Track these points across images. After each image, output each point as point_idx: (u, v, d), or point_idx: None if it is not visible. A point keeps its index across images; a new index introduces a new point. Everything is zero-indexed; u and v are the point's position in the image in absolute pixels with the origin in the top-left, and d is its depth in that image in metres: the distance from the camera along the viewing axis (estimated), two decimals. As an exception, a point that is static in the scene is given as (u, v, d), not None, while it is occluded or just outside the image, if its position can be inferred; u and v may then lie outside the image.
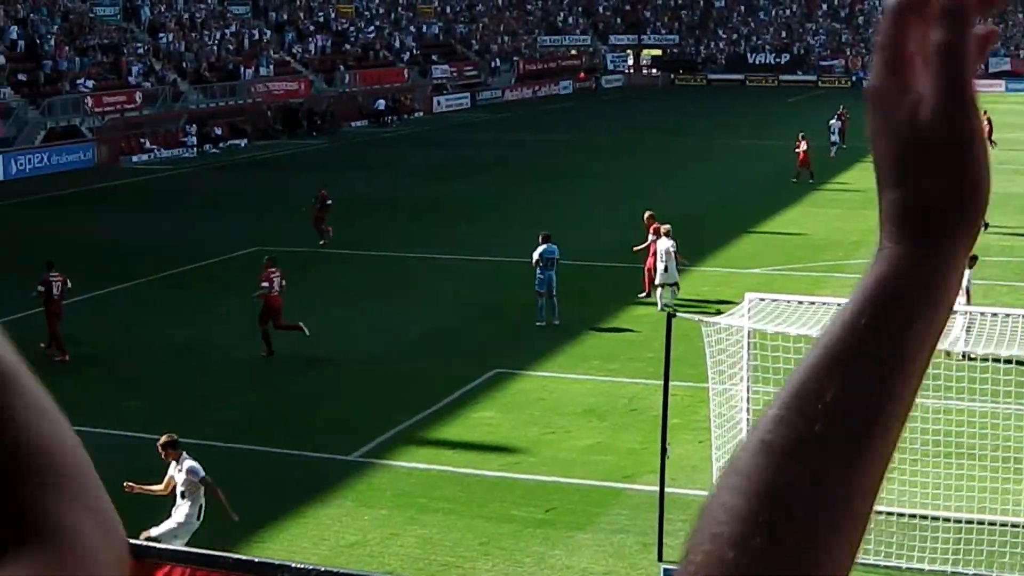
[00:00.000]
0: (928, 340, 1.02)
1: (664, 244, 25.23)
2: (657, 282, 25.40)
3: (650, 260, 25.99)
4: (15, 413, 1.00)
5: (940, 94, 1.01)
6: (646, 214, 27.18)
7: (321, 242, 32.07)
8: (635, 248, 26.61)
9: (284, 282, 23.26)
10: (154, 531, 13.85)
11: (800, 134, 41.91)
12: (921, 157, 1.02)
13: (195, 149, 55.55)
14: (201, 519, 14.13)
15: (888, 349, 1.00)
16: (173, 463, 14.13)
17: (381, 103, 68.72)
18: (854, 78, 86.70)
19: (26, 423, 1.00)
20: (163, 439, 14.14)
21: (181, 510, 14.12)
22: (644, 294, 26.09)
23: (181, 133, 56.98)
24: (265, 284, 22.84)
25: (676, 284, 25.58)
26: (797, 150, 41.58)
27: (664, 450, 14.27)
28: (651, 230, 26.31)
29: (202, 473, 14.01)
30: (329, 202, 33.00)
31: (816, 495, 0.97)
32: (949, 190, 1.02)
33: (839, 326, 1.02)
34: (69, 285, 23.17)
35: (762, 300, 15.46)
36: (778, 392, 1.02)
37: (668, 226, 25.78)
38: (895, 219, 1.03)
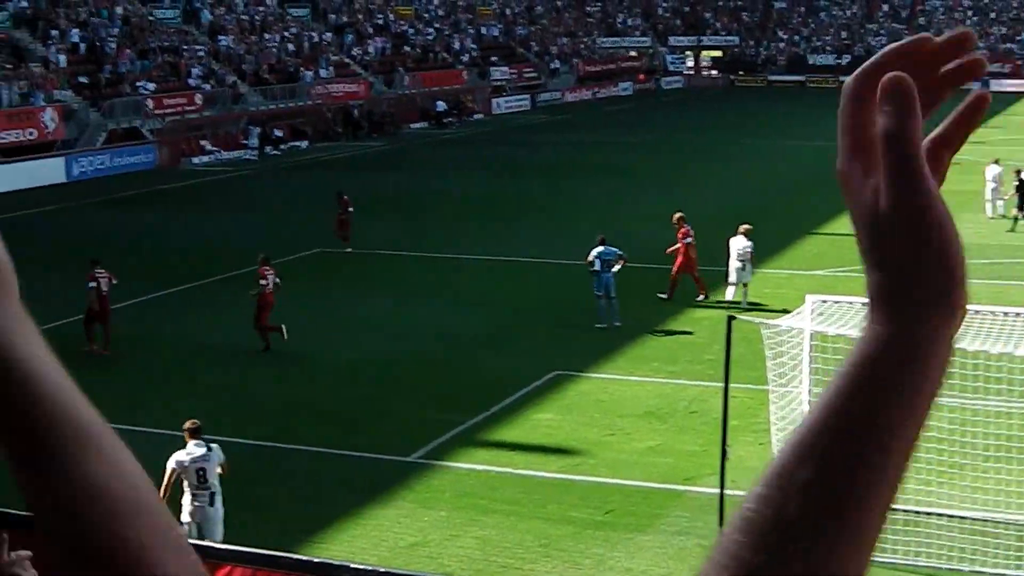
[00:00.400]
0: (911, 417, 1.02)
1: (741, 243, 25.32)
2: (732, 280, 25.49)
3: (679, 260, 26.08)
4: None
5: (892, 182, 1.01)
6: (675, 216, 26.96)
7: (347, 249, 31.78)
8: (667, 251, 26.44)
9: (279, 280, 23.83)
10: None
11: None
12: (886, 243, 1.02)
13: (257, 151, 56.01)
14: (193, 507, 14.13)
15: (865, 429, 1.00)
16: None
17: (441, 105, 68.93)
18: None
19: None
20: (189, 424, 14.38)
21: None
22: (702, 296, 25.98)
23: (242, 135, 57.46)
24: (263, 282, 23.40)
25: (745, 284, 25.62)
26: None
27: (724, 452, 14.26)
28: (680, 232, 26.20)
29: (171, 464, 13.99)
30: (351, 209, 32.54)
31: (792, 573, 0.99)
32: (917, 274, 1.02)
33: (819, 405, 1.03)
34: (115, 282, 23.47)
35: (824, 302, 15.35)
36: (765, 468, 1.04)
37: (748, 225, 25.87)
38: (873, 299, 1.04)
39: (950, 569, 13.60)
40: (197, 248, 33.01)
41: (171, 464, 14.03)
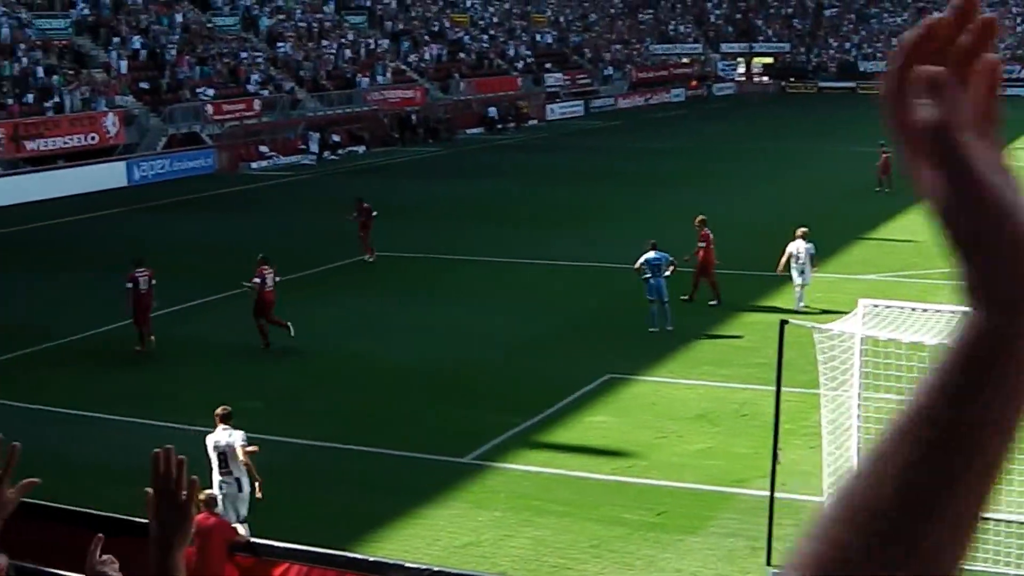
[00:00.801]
0: (1010, 406, 0.99)
1: (800, 246, 25.58)
2: (796, 282, 25.70)
3: (700, 264, 26.32)
4: None
5: (943, 175, 1.00)
6: (697, 219, 27.05)
7: (370, 259, 31.31)
8: (685, 258, 26.47)
9: (277, 278, 24.47)
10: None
11: (881, 143, 41.59)
12: (960, 234, 1.01)
13: (317, 156, 56.55)
14: (223, 492, 14.61)
15: (963, 416, 0.98)
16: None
17: (492, 111, 69.23)
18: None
19: None
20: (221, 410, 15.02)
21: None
22: (687, 297, 26.10)
23: (300, 140, 58.03)
24: (257, 280, 23.99)
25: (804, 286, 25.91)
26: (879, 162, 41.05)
27: (775, 455, 14.18)
28: (700, 235, 26.34)
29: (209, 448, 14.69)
30: (375, 214, 31.88)
31: (888, 556, 0.98)
32: (1000, 263, 1.00)
33: (919, 392, 1.02)
34: (154, 281, 23.96)
35: (875, 306, 15.37)
36: (863, 453, 1.06)
37: (805, 228, 26.11)
38: (967, 292, 1.01)
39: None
40: (254, 252, 33.32)
41: (209, 444, 14.77)
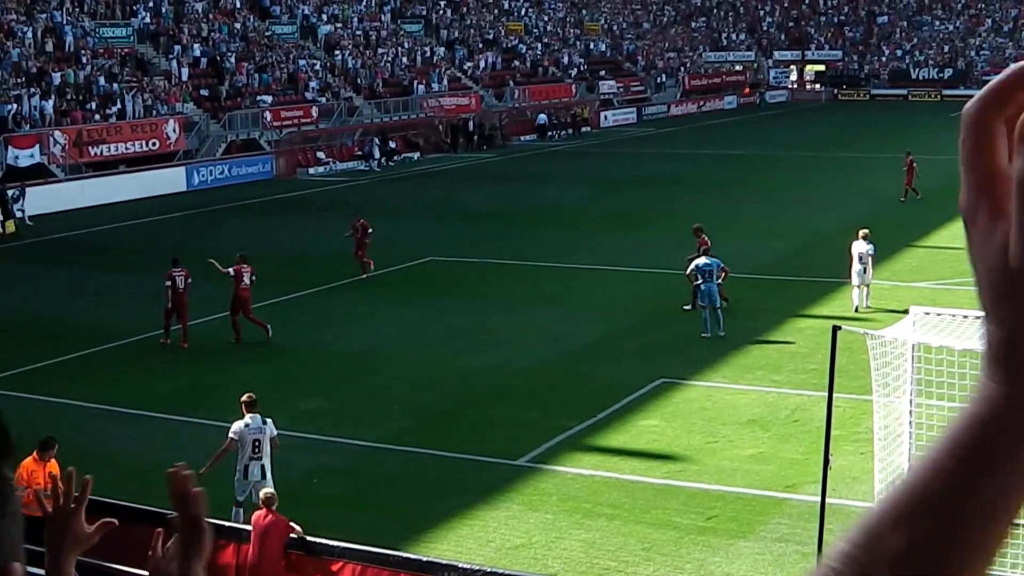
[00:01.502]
0: (1017, 488, 0.94)
1: (862, 247, 25.81)
2: (855, 283, 25.94)
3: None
4: None
5: (1021, 228, 0.92)
6: (694, 226, 27.13)
7: (364, 275, 30.33)
8: (688, 259, 26.55)
9: (254, 278, 25.02)
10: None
11: (908, 151, 41.49)
12: (1012, 299, 0.94)
13: (378, 162, 57.04)
14: (248, 478, 15.19)
15: (966, 500, 0.93)
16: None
17: (543, 118, 69.46)
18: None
19: None
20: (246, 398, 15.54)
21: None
22: (690, 307, 25.99)
23: (357, 147, 58.55)
24: (230, 271, 24.74)
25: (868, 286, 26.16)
26: (905, 168, 40.72)
27: (827, 461, 14.10)
28: (699, 243, 26.33)
29: (231, 434, 15.23)
30: (371, 231, 30.78)
31: None
32: None
33: (921, 466, 0.97)
34: (190, 280, 24.70)
35: (927, 314, 15.37)
36: (855, 522, 0.98)
37: (866, 230, 26.34)
38: (990, 355, 0.95)
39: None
40: (311, 256, 33.77)
41: (230, 434, 15.24)
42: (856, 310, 25.70)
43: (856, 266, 25.89)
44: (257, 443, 15.17)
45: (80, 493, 2.83)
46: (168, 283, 24.63)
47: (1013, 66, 0.97)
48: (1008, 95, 0.94)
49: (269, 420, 15.37)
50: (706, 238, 26.41)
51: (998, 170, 0.93)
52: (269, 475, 15.21)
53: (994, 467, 0.94)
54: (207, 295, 25.68)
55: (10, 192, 40.97)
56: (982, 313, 0.96)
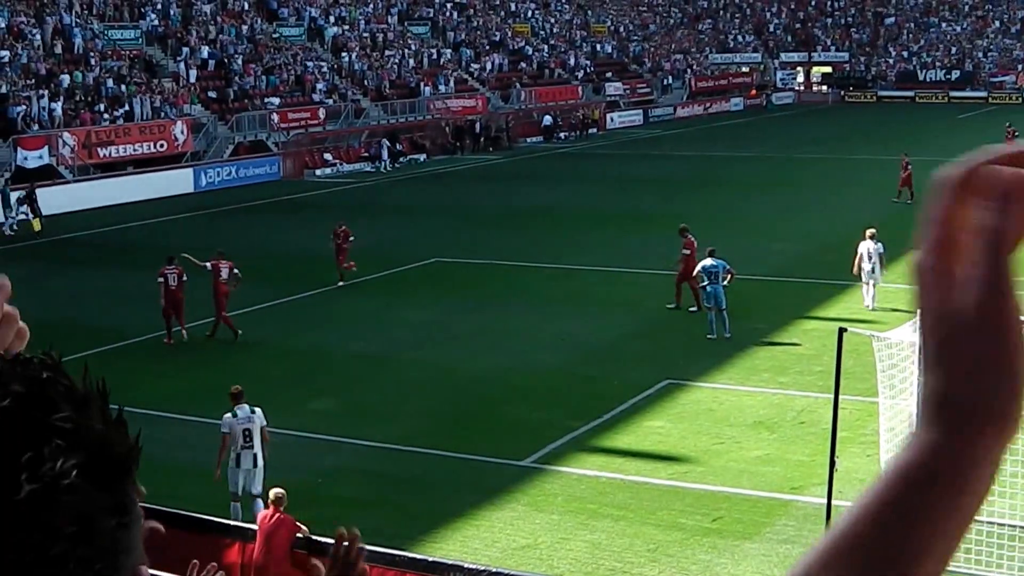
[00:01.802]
0: (946, 535, 0.98)
1: (870, 245, 26.09)
2: (864, 281, 26.20)
3: (683, 270, 26.49)
4: None
5: (980, 282, 0.98)
6: (680, 226, 27.41)
7: (340, 283, 29.76)
8: (677, 262, 26.72)
9: (238, 272, 25.51)
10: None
11: (903, 154, 41.43)
12: (955, 344, 0.99)
13: (387, 164, 57.15)
14: (240, 466, 15.69)
15: (896, 546, 0.97)
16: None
17: (547, 119, 69.53)
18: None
19: None
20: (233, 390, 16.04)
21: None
22: (674, 306, 26.43)
23: (364, 148, 58.68)
24: (207, 265, 25.14)
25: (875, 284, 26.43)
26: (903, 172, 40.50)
27: (833, 463, 14.18)
28: (685, 243, 26.59)
29: (224, 429, 15.71)
30: (352, 238, 30.21)
31: None
32: (980, 381, 0.98)
33: (854, 510, 1.00)
34: (185, 278, 25.01)
35: (934, 316, 15.32)
36: (792, 565, 1.02)
37: (873, 229, 26.53)
38: (928, 404, 1.00)
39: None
40: (318, 257, 33.79)
41: (223, 429, 15.74)
42: (870, 308, 26.00)
43: (866, 265, 26.13)
44: (247, 432, 15.62)
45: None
46: (161, 280, 24.97)
47: (997, 147, 1.02)
48: (977, 173, 1.00)
49: (258, 409, 15.78)
50: (692, 238, 26.53)
51: (956, 234, 0.99)
52: (261, 464, 15.64)
53: (925, 514, 0.98)
54: (211, 295, 25.72)
55: (14, 195, 41.07)
56: (923, 363, 1.01)
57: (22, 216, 40.64)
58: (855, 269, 26.30)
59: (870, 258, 26.09)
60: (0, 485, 1.01)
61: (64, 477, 1.04)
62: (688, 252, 26.55)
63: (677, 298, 26.58)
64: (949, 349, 0.99)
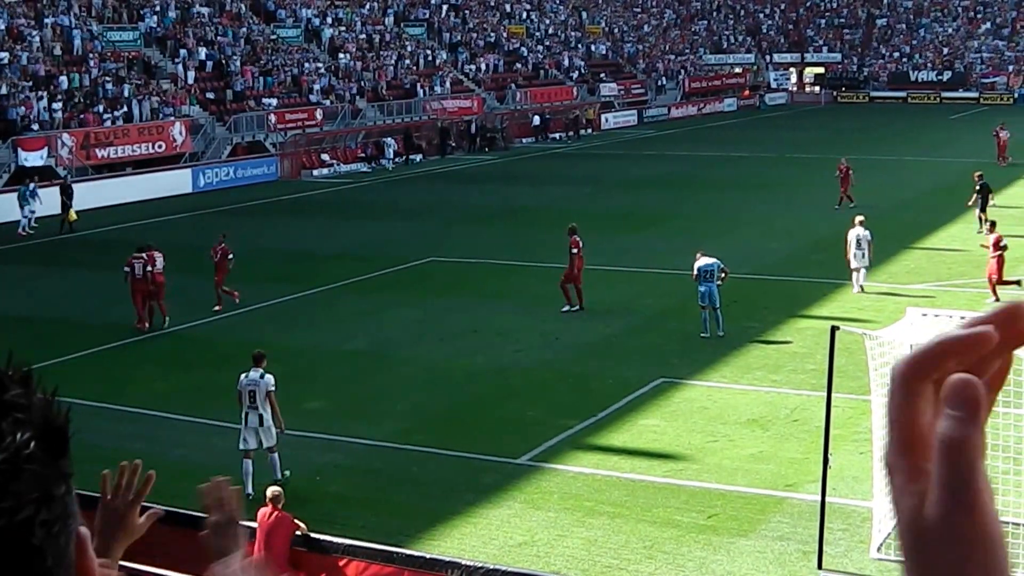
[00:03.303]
0: None
1: (859, 232, 27.28)
2: (854, 266, 27.38)
3: (568, 271, 27.05)
4: None
5: (942, 492, 0.94)
6: (569, 225, 27.92)
7: (216, 307, 27.10)
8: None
9: (231, 256, 26.72)
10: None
11: (844, 158, 41.20)
12: (929, 553, 0.95)
13: (392, 161, 57.29)
14: (247, 425, 16.90)
15: None
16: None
17: (536, 119, 69.64)
18: (1016, 95, 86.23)
19: None
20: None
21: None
22: (577, 308, 26.78)
23: (362, 148, 58.86)
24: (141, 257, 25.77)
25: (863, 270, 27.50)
26: (839, 175, 39.83)
27: (826, 460, 14.24)
28: (571, 242, 26.96)
29: (238, 387, 17.10)
30: (231, 256, 27.25)
31: None
32: None
33: None
34: (157, 266, 25.63)
35: (924, 315, 15.53)
36: None
37: (862, 217, 28.03)
38: None
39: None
40: (315, 256, 33.94)
41: (237, 387, 17.04)
42: (856, 292, 27.28)
43: (854, 250, 27.24)
44: (252, 394, 16.78)
45: (142, 487, 2.89)
46: (127, 269, 25.46)
47: (943, 334, 1.00)
48: (938, 361, 0.98)
49: (268, 376, 16.88)
50: (578, 239, 26.87)
51: (920, 429, 0.97)
52: (269, 423, 16.71)
53: None
54: (210, 295, 25.85)
55: (21, 189, 41.23)
56: (902, 566, 0.99)
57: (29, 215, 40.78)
58: (848, 256, 27.39)
59: (859, 244, 27.14)
60: None
61: (25, 447, 1.17)
62: (576, 252, 26.78)
63: (567, 298, 26.84)
64: (926, 558, 0.96)
